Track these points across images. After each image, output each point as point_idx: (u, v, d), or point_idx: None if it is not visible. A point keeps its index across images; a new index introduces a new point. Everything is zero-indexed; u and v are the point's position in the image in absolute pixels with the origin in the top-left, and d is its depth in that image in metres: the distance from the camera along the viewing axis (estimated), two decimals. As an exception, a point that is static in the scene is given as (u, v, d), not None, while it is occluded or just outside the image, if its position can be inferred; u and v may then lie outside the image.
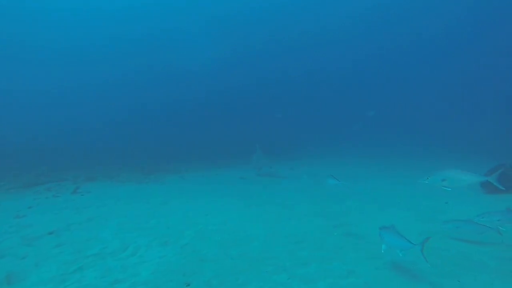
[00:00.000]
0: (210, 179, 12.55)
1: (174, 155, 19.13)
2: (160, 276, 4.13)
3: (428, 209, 6.78)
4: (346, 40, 43.38)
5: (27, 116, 33.86)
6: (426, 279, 3.78)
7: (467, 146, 18.45)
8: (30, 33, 40.13)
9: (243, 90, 43.87)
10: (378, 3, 37.00)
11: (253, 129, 27.09)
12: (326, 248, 4.86)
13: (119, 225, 6.25)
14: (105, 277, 4.14)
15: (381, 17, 39.34)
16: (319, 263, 4.35)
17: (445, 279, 3.75)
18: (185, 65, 43.89)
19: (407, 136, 24.13)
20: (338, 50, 44.93)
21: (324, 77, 46.09)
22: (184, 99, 41.35)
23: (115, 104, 40.14)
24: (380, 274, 3.94)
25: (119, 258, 4.71)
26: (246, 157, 17.98)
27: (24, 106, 37.87)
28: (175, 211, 7.40)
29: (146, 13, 40.28)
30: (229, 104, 40.97)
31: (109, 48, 43.98)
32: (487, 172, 8.67)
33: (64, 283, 4.01)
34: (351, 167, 13.77)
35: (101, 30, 42.39)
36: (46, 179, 11.46)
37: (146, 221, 6.57)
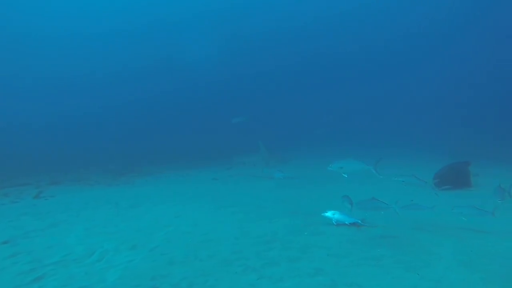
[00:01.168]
0: (183, 180, 12.41)
1: (147, 157, 18.71)
2: (127, 281, 4.03)
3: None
4: (301, 42, 43.45)
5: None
6: (391, 273, 3.93)
7: (432, 147, 19.37)
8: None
9: (213, 91, 43.41)
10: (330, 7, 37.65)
11: (225, 130, 27.00)
12: (295, 247, 4.93)
13: (85, 230, 6.03)
14: (67, 285, 3.97)
15: (337, 21, 40.00)
16: (288, 262, 4.41)
17: (409, 273, 3.92)
18: (156, 64, 42.90)
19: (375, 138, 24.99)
20: (290, 52, 44.67)
21: (285, 79, 46.11)
22: (157, 99, 40.48)
23: (86, 104, 38.55)
24: (347, 272, 4.05)
25: (83, 265, 4.54)
26: (219, 158, 17.93)
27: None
28: (145, 214, 7.25)
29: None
30: (201, 104, 40.51)
31: (73, 43, 41.96)
32: (440, 169, 9.15)
33: (20, 295, 3.82)
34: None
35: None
36: (4, 184, 10.82)
37: (115, 225, 6.38)
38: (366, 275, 3.94)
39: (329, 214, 5.82)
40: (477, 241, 4.86)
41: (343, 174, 5.82)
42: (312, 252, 4.71)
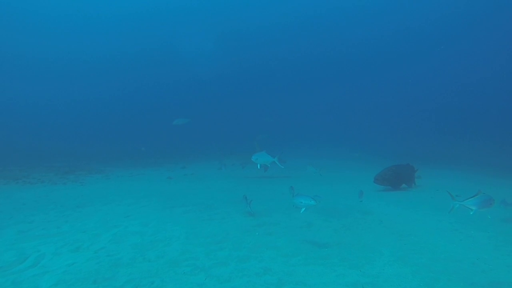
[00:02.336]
0: (136, 179, 11.95)
1: (98, 154, 17.72)
2: (65, 287, 3.78)
3: (346, 207, 7.36)
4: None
5: None
6: (336, 271, 4.10)
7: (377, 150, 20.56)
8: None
9: (166, 90, 42.33)
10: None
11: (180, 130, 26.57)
12: (246, 247, 4.96)
13: (19, 233, 5.57)
14: (-13, 297, 3.63)
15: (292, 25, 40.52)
16: (237, 262, 4.42)
17: (352, 270, 4.11)
18: (108, 63, 40.79)
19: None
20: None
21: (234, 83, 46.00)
22: (110, 97, 38.56)
23: (33, 99, 35.60)
24: (295, 271, 4.15)
25: (11, 272, 4.16)
26: (174, 157, 17.54)
27: None
28: (93, 214, 6.87)
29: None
30: (154, 103, 39.35)
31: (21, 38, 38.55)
32: (382, 170, 9.65)
33: None
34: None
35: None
36: None
37: (57, 227, 5.97)
38: (313, 273, 4.07)
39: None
40: (413, 238, 5.24)
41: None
42: (262, 252, 4.76)
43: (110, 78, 41.13)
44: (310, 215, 6.63)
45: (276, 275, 4.02)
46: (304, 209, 5.52)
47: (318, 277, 3.96)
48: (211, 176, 12.68)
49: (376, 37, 38.46)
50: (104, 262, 4.41)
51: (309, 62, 44.33)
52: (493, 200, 5.57)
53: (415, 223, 6.05)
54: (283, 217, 6.56)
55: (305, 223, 6.16)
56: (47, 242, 5.12)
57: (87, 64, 40.02)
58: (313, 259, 4.49)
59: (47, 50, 39.29)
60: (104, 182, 10.97)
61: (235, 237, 5.45)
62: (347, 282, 3.80)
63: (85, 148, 19.89)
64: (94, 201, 8.01)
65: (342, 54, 42.37)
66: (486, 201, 5.16)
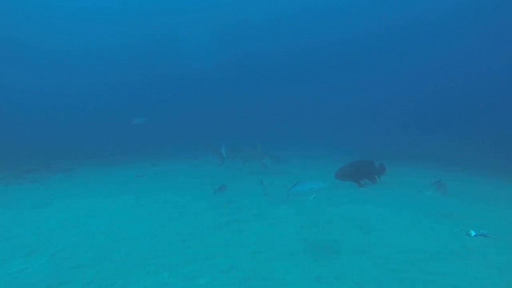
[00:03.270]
0: (103, 177, 11.49)
1: (62, 152, 16.87)
2: (14, 293, 3.54)
3: (315, 203, 7.45)
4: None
5: None
6: (302, 266, 4.13)
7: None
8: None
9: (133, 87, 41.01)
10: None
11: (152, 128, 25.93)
12: (214, 244, 4.90)
13: (-34, 236, 5.17)
14: None
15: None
16: (204, 260, 4.36)
17: (317, 265, 4.16)
18: (74, 57, 38.83)
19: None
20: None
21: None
22: (79, 91, 36.84)
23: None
24: (262, 267, 4.14)
25: None
26: (145, 154, 17.10)
27: None
28: (53, 215, 6.52)
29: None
30: (125, 100, 38.07)
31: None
32: (343, 166, 9.84)
33: None
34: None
35: None
36: None
37: (8, 230, 5.60)
38: (280, 269, 4.08)
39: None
40: (376, 232, 5.39)
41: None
42: (230, 249, 4.72)
43: (83, 70, 39.07)
44: (277, 210, 6.67)
45: (242, 272, 4.00)
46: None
47: (284, 273, 3.97)
48: (183, 173, 12.44)
49: (348, 36, 38.96)
50: (62, 266, 4.20)
51: (278, 61, 44.24)
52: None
53: (379, 218, 6.24)
54: (254, 214, 6.55)
55: (273, 219, 6.18)
56: (-3, 246, 4.80)
57: (55, 54, 37.78)
58: (280, 255, 4.50)
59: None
60: (68, 181, 10.47)
61: (204, 234, 5.38)
62: (312, 276, 3.85)
63: (49, 144, 18.87)
64: (54, 201, 7.60)
65: (313, 51, 42.50)
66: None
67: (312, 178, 6.12)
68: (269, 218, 6.30)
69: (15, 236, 5.27)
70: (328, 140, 24.66)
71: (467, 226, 5.56)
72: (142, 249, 4.72)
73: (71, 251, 4.65)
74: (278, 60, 44.29)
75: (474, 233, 5.26)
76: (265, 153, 13.47)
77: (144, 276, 3.92)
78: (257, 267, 4.12)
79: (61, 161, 14.20)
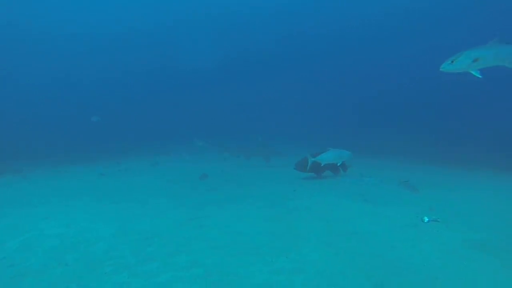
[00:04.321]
0: (62, 177, 10.92)
1: (14, 151, 15.79)
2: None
3: (280, 197, 7.55)
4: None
5: None
6: (265, 259, 4.16)
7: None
8: None
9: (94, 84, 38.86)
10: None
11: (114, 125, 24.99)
12: (176, 241, 4.81)
13: None
14: None
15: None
16: (165, 257, 4.27)
17: (280, 257, 4.21)
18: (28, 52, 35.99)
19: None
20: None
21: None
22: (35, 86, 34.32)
23: None
24: (224, 262, 4.13)
25: None
26: (109, 152, 16.47)
27: None
28: (-2, 220, 6.07)
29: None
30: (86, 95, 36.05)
31: None
32: (302, 158, 10.11)
33: None
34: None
35: None
36: None
37: None
38: (242, 263, 4.08)
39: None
40: (338, 223, 5.56)
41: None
42: (192, 245, 4.66)
43: (42, 60, 36.14)
44: (241, 205, 6.69)
45: (204, 268, 3.96)
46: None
47: (246, 266, 3.98)
48: (147, 171, 12.13)
49: (307, 31, 39.13)
50: (3, 275, 3.90)
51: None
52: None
53: (341, 209, 6.43)
54: (218, 210, 6.52)
55: (237, 213, 6.19)
56: None
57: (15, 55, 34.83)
58: (243, 249, 4.51)
59: None
60: (20, 183, 9.83)
61: (166, 231, 5.27)
62: (273, 269, 3.88)
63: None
64: (2, 206, 7.09)
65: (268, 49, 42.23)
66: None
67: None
68: (233, 212, 6.29)
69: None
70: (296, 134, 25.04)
71: (424, 213, 5.88)
72: (99, 250, 4.54)
73: (17, 258, 4.34)
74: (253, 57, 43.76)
75: (427, 219, 5.58)
76: (267, 147, 13.71)
77: (101, 277, 3.78)
78: (219, 262, 4.10)
79: (11, 161, 13.28)
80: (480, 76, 4.32)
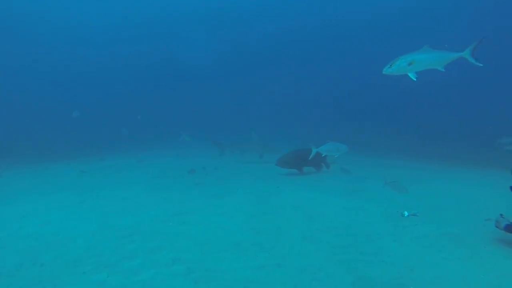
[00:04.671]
0: (40, 175, 10.61)
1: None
2: None
3: (264, 193, 7.56)
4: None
5: None
6: (247, 255, 4.17)
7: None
8: None
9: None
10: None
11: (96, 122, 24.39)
12: (158, 238, 4.76)
13: None
14: None
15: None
16: (147, 254, 4.22)
17: (262, 253, 4.23)
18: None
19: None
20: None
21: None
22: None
23: None
24: (206, 258, 4.11)
25: None
26: (92, 148, 16.12)
27: None
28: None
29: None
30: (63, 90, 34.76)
31: None
32: (284, 154, 10.17)
33: None
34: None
35: None
36: None
37: None
38: (224, 259, 4.07)
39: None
40: (321, 218, 5.63)
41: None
42: (174, 242, 4.62)
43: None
44: (226, 201, 6.68)
45: (185, 264, 3.94)
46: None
47: (228, 262, 3.98)
48: (132, 167, 11.92)
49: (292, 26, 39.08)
50: None
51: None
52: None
53: (324, 204, 6.51)
54: (200, 205, 6.48)
55: (220, 209, 6.18)
56: None
57: None
58: (225, 245, 4.50)
59: None
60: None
61: (148, 228, 5.20)
62: (255, 265, 3.90)
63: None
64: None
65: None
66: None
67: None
68: (217, 208, 6.27)
69: None
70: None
71: (404, 208, 6.00)
72: (78, 248, 4.43)
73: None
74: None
75: (407, 213, 5.71)
76: (263, 143, 13.64)
77: (79, 277, 3.69)
78: (202, 259, 4.08)
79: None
80: (414, 79, 4.91)
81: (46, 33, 34.25)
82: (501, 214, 4.46)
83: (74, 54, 36.34)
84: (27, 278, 3.67)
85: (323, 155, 8.92)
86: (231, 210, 6.16)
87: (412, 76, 4.95)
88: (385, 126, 20.48)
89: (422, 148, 15.57)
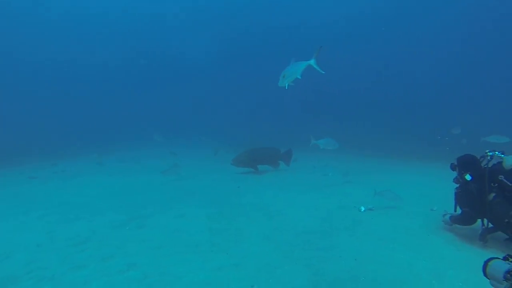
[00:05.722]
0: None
1: None
2: None
3: (224, 193, 7.51)
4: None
5: None
6: (204, 257, 4.09)
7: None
8: None
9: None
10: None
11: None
12: (112, 244, 4.55)
13: None
14: None
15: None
16: (99, 262, 4.00)
17: (219, 254, 4.17)
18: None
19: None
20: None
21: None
22: None
23: None
24: (162, 262, 3.98)
25: None
26: (43, 152, 15.10)
27: None
28: None
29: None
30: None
31: None
32: (240, 153, 10.29)
33: None
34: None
35: None
36: None
37: None
38: (181, 262, 3.98)
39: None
40: (280, 217, 5.69)
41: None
42: (129, 247, 4.44)
43: None
44: (185, 202, 6.55)
45: (140, 270, 3.79)
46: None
47: (184, 265, 3.89)
48: (87, 172, 11.29)
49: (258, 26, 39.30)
50: None
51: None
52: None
53: (284, 203, 6.59)
54: (158, 208, 6.29)
55: (180, 211, 6.05)
56: None
57: None
58: (183, 247, 4.41)
59: None
60: None
61: (103, 235, 4.96)
62: (212, 266, 3.84)
63: None
64: None
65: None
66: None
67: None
68: (176, 210, 6.13)
69: None
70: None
71: (362, 203, 6.23)
72: (17, 263, 4.07)
73: None
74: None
75: (363, 208, 5.94)
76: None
77: (18, 292, 3.41)
78: (158, 263, 3.96)
79: None
80: (286, 87, 5.62)
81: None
82: (445, 210, 4.86)
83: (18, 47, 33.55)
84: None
85: (321, 147, 9.41)
86: (190, 211, 6.04)
87: (286, 86, 5.68)
88: (358, 126, 21.25)
89: (384, 145, 16.31)
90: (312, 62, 5.29)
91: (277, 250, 4.23)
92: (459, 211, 4.58)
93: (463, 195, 4.46)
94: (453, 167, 4.71)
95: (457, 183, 4.68)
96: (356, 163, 11.94)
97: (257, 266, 3.80)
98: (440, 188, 7.37)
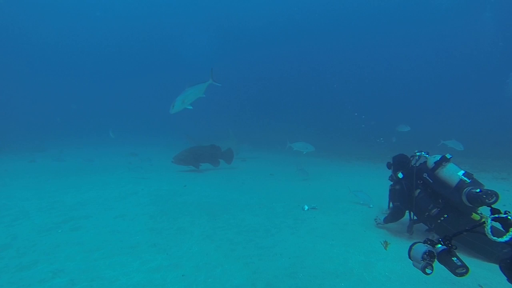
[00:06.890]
0: None
1: None
2: None
3: (169, 193, 7.27)
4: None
5: None
6: (141, 258, 3.89)
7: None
8: None
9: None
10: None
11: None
12: (37, 250, 4.13)
13: None
14: None
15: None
16: (17, 272, 3.58)
17: (159, 254, 4.00)
18: None
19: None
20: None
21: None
22: None
23: None
24: (93, 266, 3.71)
25: None
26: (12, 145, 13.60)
27: None
28: None
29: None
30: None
31: None
32: (180, 151, 10.31)
33: None
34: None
35: None
36: None
37: None
38: (116, 264, 3.74)
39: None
40: (224, 216, 5.64)
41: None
42: (58, 252, 4.07)
43: None
44: (126, 202, 6.22)
45: (68, 276, 3.49)
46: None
47: (120, 267, 3.66)
48: (20, 170, 10.21)
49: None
50: None
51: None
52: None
53: (228, 202, 6.55)
54: (97, 209, 5.88)
55: (119, 211, 5.72)
56: None
57: None
58: (120, 249, 4.16)
59: None
60: None
61: (26, 240, 4.47)
62: (150, 267, 3.67)
63: None
64: None
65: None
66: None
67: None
68: (115, 210, 5.79)
69: None
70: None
71: (304, 202, 6.43)
72: None
73: None
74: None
75: (307, 207, 6.12)
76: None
77: None
78: (89, 267, 3.67)
79: None
80: (191, 108, 6.92)
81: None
82: (377, 216, 5.28)
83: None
84: None
85: (294, 149, 10.21)
86: (131, 211, 5.74)
87: (189, 107, 6.92)
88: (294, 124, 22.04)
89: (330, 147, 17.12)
90: (211, 81, 6.88)
91: (218, 249, 4.18)
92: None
93: (396, 192, 4.82)
94: (389, 166, 5.07)
95: (391, 181, 5.04)
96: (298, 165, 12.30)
97: (197, 266, 3.70)
98: (376, 186, 7.89)
